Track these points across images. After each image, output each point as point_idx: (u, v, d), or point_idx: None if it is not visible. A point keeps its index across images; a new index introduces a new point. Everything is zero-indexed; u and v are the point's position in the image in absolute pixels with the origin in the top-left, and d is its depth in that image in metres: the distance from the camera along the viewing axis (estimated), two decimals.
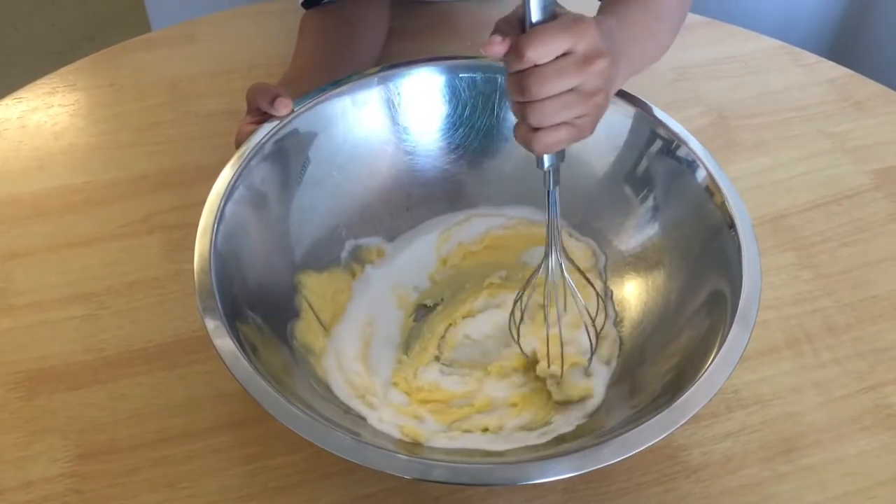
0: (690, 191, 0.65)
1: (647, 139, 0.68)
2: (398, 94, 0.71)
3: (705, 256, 0.63)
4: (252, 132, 0.66)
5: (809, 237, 0.77)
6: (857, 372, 0.67)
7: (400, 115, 0.72)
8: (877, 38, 1.43)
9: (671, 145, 0.67)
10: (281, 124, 0.67)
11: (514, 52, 0.51)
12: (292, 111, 0.67)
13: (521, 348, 0.64)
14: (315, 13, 0.87)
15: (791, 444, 0.63)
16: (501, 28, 0.52)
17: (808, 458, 0.62)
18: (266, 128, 0.66)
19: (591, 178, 0.71)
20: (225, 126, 0.85)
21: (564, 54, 0.52)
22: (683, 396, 0.52)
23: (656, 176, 0.68)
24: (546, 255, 0.60)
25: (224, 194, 0.62)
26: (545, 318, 0.62)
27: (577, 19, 0.52)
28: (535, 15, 0.51)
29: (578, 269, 0.63)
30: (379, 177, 0.72)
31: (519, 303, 0.63)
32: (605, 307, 0.66)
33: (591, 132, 0.56)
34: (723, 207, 0.62)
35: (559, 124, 0.53)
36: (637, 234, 0.69)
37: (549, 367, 0.63)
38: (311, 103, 0.68)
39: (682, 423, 0.51)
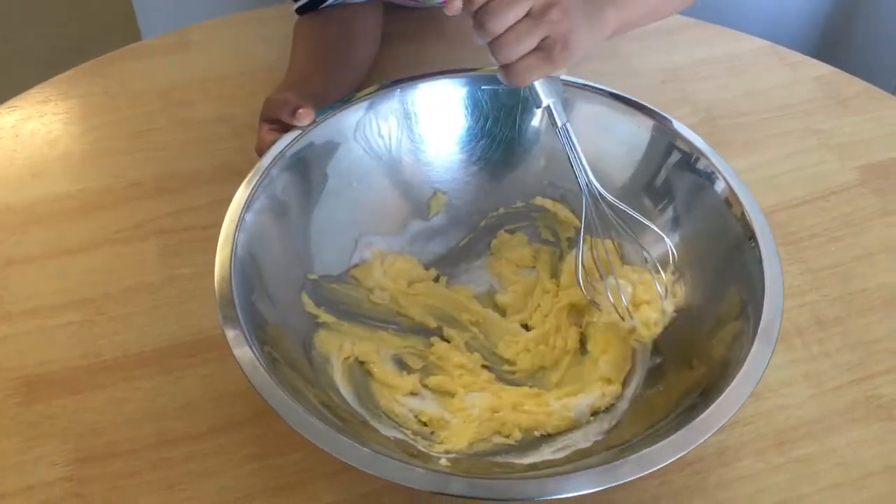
0: (710, 202, 0.65)
1: (665, 151, 0.68)
2: (418, 106, 0.71)
3: (726, 269, 0.63)
4: (274, 140, 0.66)
5: (797, 233, 0.78)
6: (846, 364, 0.68)
7: (420, 127, 0.72)
8: (863, 36, 1.45)
9: (690, 158, 0.66)
10: (302, 135, 0.66)
11: None
12: (314, 122, 0.67)
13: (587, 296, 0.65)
14: (309, 18, 0.88)
15: (783, 437, 0.64)
16: None
17: (801, 449, 0.63)
18: (287, 138, 0.66)
19: (611, 189, 0.70)
20: (217, 132, 0.86)
21: None
22: (706, 412, 0.51)
23: (675, 187, 0.68)
24: (583, 197, 0.63)
25: (245, 203, 0.61)
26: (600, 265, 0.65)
27: None
28: None
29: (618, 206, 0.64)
30: (398, 187, 0.72)
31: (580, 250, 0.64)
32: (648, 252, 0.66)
33: (563, 55, 0.59)
34: (743, 219, 0.62)
35: (526, 54, 0.57)
36: (658, 245, 0.68)
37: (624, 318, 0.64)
38: (332, 115, 0.68)
39: (703, 439, 0.51)
